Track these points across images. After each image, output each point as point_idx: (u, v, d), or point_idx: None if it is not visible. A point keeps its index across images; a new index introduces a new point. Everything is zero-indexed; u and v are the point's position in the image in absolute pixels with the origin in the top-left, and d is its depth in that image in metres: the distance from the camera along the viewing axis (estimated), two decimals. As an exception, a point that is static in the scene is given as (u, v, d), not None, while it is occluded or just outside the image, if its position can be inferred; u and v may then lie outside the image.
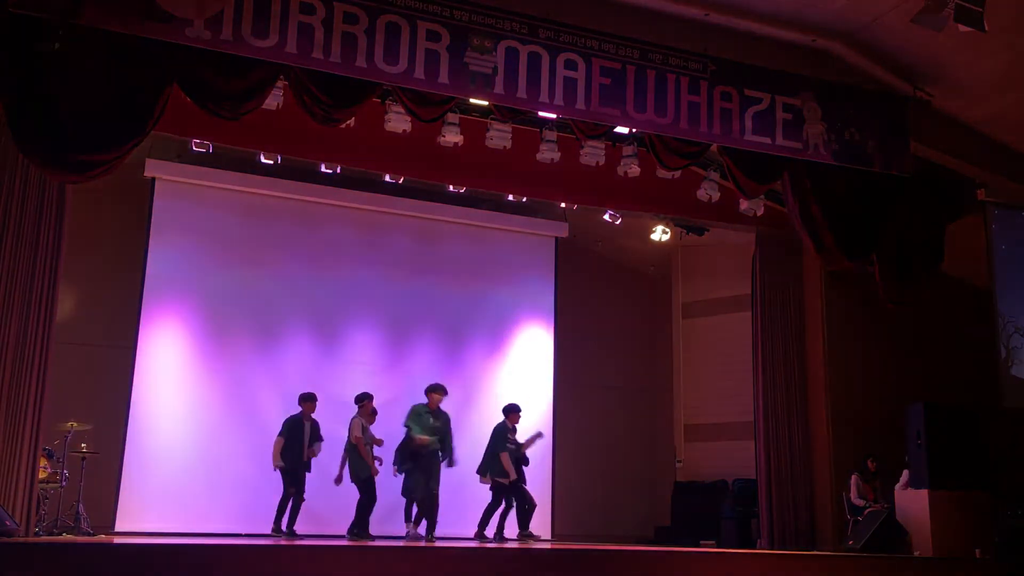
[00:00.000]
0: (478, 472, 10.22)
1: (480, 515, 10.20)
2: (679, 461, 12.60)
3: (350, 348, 11.70)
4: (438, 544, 8.97)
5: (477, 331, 12.35)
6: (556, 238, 12.97)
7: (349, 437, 9.74)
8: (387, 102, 8.84)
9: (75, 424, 9.16)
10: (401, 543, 8.93)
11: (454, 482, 10.26)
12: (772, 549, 10.49)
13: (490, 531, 10.14)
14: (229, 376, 10.99)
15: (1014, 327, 10.20)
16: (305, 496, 9.90)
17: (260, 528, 9.90)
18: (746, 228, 11.48)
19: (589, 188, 10.64)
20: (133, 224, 10.96)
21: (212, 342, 11.01)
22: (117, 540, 8.76)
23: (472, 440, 10.73)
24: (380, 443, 9.87)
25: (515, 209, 12.11)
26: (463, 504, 10.48)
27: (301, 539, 9.28)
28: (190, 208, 11.13)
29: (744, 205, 10.49)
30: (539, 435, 10.49)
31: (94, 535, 8.88)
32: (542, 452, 12.10)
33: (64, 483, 9.02)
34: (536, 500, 10.38)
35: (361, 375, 11.43)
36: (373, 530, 9.54)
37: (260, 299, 11.26)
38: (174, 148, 10.43)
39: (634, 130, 9.15)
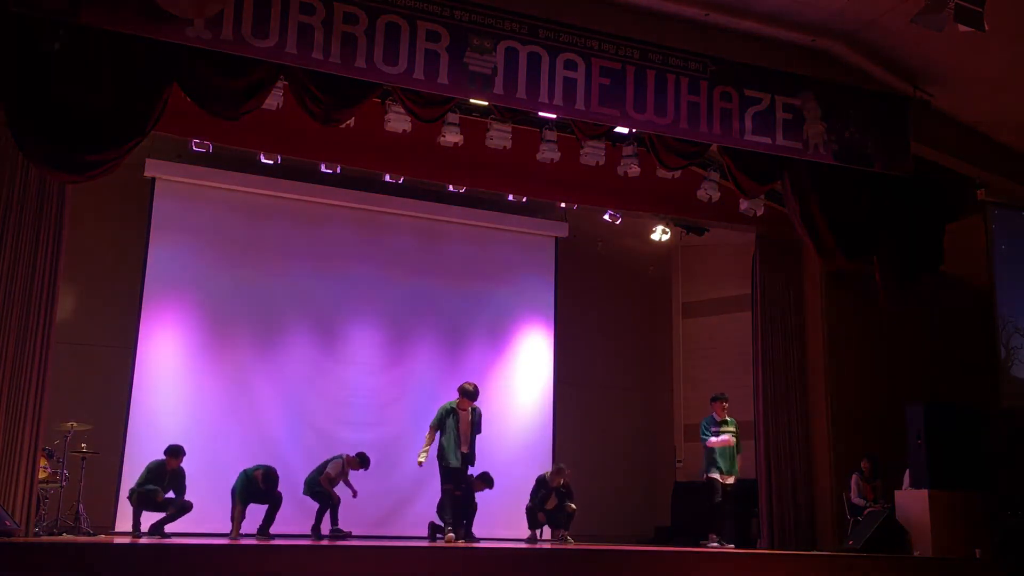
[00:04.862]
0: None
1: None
2: (679, 461, 12.59)
3: (350, 348, 11.67)
4: (437, 544, 8.96)
5: (477, 331, 12.33)
6: (556, 238, 12.96)
7: (326, 470, 9.75)
8: (387, 102, 8.82)
9: (75, 424, 9.16)
10: (401, 543, 8.93)
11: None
12: (772, 549, 10.49)
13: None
14: (229, 376, 10.98)
15: (1014, 327, 10.20)
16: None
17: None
18: (746, 228, 11.47)
19: (589, 188, 10.63)
20: (133, 224, 10.95)
21: (212, 342, 10.99)
22: (117, 540, 8.76)
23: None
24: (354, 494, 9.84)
25: (515, 209, 12.09)
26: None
27: (300, 540, 9.28)
28: (190, 208, 11.12)
29: (744, 205, 10.47)
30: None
31: (94, 535, 8.88)
32: (543, 452, 12.12)
33: (64, 483, 9.02)
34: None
35: (361, 375, 11.45)
36: (372, 530, 9.53)
37: (260, 299, 11.24)
38: (174, 148, 10.42)
39: (634, 130, 9.15)
